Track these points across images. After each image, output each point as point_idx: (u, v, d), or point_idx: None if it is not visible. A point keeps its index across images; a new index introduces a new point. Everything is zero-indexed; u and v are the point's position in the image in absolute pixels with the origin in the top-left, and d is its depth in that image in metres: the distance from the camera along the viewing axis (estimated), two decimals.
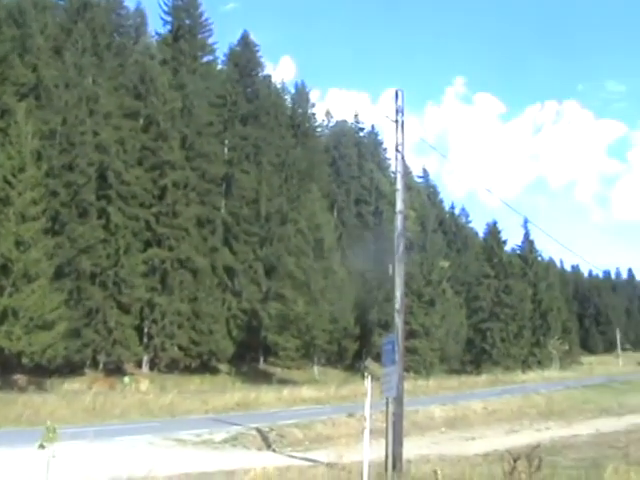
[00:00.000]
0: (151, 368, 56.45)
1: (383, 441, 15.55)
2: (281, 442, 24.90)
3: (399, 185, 17.16)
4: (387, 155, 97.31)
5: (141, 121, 60.86)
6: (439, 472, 12.61)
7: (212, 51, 76.51)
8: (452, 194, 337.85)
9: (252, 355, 67.77)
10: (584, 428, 28.85)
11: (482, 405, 40.41)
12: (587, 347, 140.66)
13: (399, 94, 17.23)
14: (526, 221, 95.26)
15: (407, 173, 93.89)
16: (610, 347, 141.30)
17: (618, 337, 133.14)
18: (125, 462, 14.30)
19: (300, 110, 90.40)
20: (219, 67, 79.48)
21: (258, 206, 69.03)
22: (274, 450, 23.23)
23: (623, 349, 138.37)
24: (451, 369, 79.47)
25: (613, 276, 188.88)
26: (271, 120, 76.41)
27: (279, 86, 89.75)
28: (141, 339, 55.72)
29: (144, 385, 47.40)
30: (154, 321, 55.93)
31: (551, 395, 48.18)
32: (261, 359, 67.86)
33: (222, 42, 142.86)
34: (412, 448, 19.35)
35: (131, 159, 57.48)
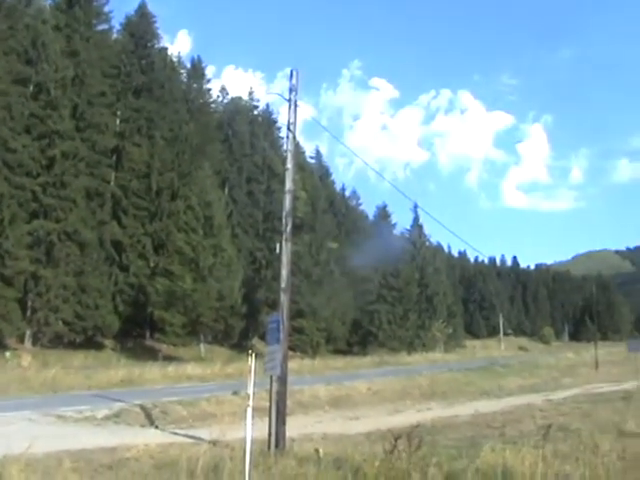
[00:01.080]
0: (34, 343, 54.79)
1: (267, 420, 15.51)
2: (164, 419, 24.63)
3: (289, 164, 17.06)
4: (281, 134, 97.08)
5: (31, 88, 58.66)
6: (321, 450, 12.62)
7: (108, 20, 74.23)
8: (344, 176, 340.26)
9: (138, 331, 66.81)
10: (465, 409, 29.44)
11: (366, 385, 40.81)
12: (471, 331, 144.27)
13: (294, 73, 17.11)
14: (415, 205, 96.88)
15: (299, 153, 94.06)
16: (493, 332, 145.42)
17: (501, 322, 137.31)
18: (2, 439, 13.82)
19: (195, 85, 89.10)
20: (114, 37, 77.25)
21: (149, 180, 67.82)
22: (157, 427, 22.97)
23: (505, 334, 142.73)
24: (337, 349, 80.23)
25: (498, 263, 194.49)
26: (165, 94, 75.05)
27: (175, 60, 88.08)
28: (24, 313, 54.01)
29: (26, 360, 45.90)
30: (38, 294, 54.20)
31: (434, 377, 49.08)
32: (147, 335, 66.97)
33: (118, 11, 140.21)
34: (296, 427, 19.39)
35: (19, 127, 55.48)
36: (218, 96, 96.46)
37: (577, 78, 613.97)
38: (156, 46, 78.72)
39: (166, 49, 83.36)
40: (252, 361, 11.88)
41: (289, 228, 16.61)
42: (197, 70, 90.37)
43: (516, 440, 14.21)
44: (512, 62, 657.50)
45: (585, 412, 24.05)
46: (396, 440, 9.89)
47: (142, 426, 22.97)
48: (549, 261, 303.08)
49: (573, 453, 11.40)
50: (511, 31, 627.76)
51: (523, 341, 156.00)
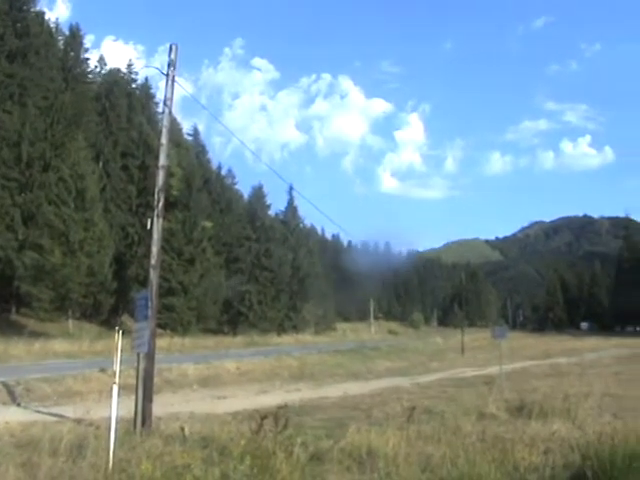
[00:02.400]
0: None
1: (135, 398, 15.17)
2: (28, 397, 23.90)
3: (164, 140, 16.70)
4: (159, 109, 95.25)
5: None
6: (186, 429, 12.43)
7: None
8: (221, 155, 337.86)
9: (3, 306, 64.52)
10: (333, 391, 29.64)
11: (236, 365, 40.70)
12: (342, 314, 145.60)
13: (173, 48, 16.69)
14: (291, 187, 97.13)
15: (176, 130, 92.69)
16: (364, 315, 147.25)
17: (372, 306, 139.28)
18: None
19: (72, 54, 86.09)
20: None
21: (19, 150, 65.21)
22: (20, 405, 22.28)
23: (376, 318, 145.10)
24: (208, 329, 79.56)
25: (371, 247, 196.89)
26: (41, 60, 72.23)
27: (52, 26, 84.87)
28: None
29: None
30: None
31: (304, 358, 49.36)
32: (13, 310, 64.75)
33: None
34: (163, 405, 19.11)
35: None
36: (96, 66, 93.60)
37: (456, 70, 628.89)
38: (32, 10, 75.68)
39: (43, 13, 79.99)
40: (119, 338, 11.54)
41: (161, 204, 16.24)
42: (75, 38, 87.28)
43: (382, 422, 14.32)
44: (394, 51, 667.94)
45: (450, 395, 24.56)
46: (262, 420, 9.79)
47: (4, 404, 22.24)
48: (421, 248, 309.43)
49: (436, 434, 11.56)
50: (394, 19, 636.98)
51: (393, 325, 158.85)
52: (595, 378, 27.74)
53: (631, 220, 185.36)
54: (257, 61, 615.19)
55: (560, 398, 17.29)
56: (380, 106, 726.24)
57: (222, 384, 33.75)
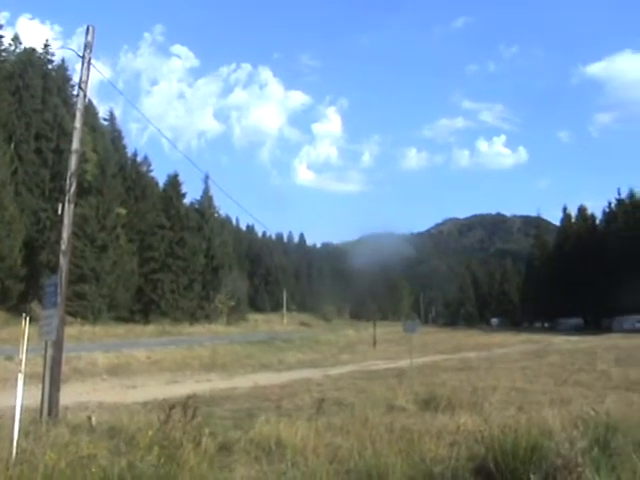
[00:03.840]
0: None
1: (41, 386, 14.85)
2: None
3: (78, 124, 16.33)
4: (75, 92, 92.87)
5: None
6: (93, 419, 12.24)
7: None
8: (137, 141, 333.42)
9: None
10: (244, 381, 29.58)
11: (146, 354, 40.33)
12: (255, 305, 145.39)
13: (90, 30, 16.31)
14: (206, 176, 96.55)
15: (92, 114, 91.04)
16: (277, 306, 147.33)
17: (285, 297, 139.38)
18: None
19: None
20: None
21: None
22: None
23: (289, 309, 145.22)
24: (119, 317, 78.44)
25: (285, 239, 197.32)
26: None
27: None
28: None
29: None
30: None
31: (215, 348, 49.17)
32: None
33: None
34: (71, 395, 18.78)
35: None
36: (10, 45, 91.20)
37: (375, 66, 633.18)
38: None
39: None
40: (26, 325, 11.26)
41: (73, 189, 15.87)
42: None
43: (291, 413, 14.37)
44: (314, 44, 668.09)
45: (360, 388, 24.72)
46: (170, 410, 9.69)
47: None
48: (335, 240, 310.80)
49: (345, 426, 11.63)
50: (314, 12, 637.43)
51: (306, 317, 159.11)
52: (503, 372, 28.36)
53: (542, 219, 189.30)
54: (177, 48, 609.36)
55: (468, 392, 17.61)
56: (299, 98, 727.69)
57: (132, 373, 33.40)
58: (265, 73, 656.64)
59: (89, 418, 12.27)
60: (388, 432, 10.09)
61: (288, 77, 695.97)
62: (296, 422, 11.38)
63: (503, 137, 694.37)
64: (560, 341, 68.89)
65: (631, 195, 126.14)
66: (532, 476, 6.84)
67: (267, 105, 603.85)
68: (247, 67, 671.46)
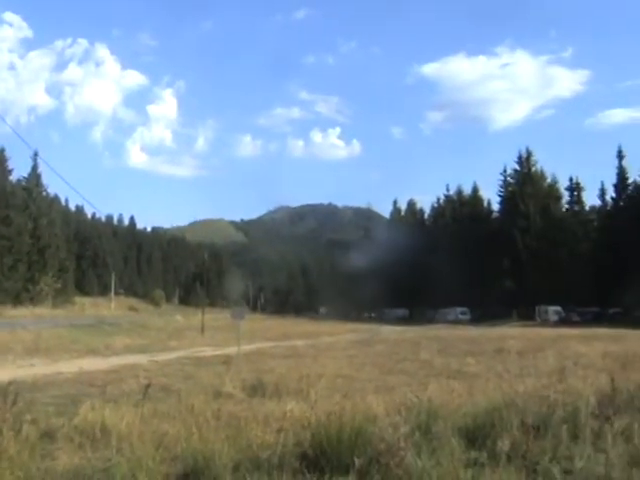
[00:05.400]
0: None
1: None
2: None
3: None
4: None
5: None
6: None
7: None
8: None
9: None
10: (69, 366, 28.75)
11: None
12: (82, 288, 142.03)
13: None
14: (35, 153, 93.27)
15: None
16: (105, 290, 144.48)
17: (113, 281, 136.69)
18: None
19: None
20: None
21: None
22: None
23: (117, 293, 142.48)
24: None
25: (115, 222, 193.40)
26: None
27: None
28: None
29: None
30: None
31: (39, 332, 47.59)
32: None
33: None
34: None
35: None
36: None
37: (214, 51, 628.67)
38: None
39: None
40: None
41: None
42: None
43: (118, 399, 14.15)
44: (153, 24, 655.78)
45: (188, 374, 24.61)
46: None
47: None
48: (166, 225, 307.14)
49: (171, 412, 11.59)
50: None
51: (134, 302, 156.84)
52: (330, 360, 28.91)
53: (373, 211, 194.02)
54: (9, 16, 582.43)
55: (295, 379, 17.87)
56: (135, 78, 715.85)
57: None
58: (102, 50, 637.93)
59: None
60: (215, 418, 10.11)
61: (126, 56, 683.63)
62: (122, 408, 11.24)
63: (338, 129, 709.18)
64: (386, 331, 70.89)
65: (459, 191, 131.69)
66: (356, 460, 7.06)
67: (102, 83, 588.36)
68: (84, 43, 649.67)
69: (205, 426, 9.13)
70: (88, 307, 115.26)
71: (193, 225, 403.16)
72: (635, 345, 35.53)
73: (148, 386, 12.15)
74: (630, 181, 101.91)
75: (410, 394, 10.85)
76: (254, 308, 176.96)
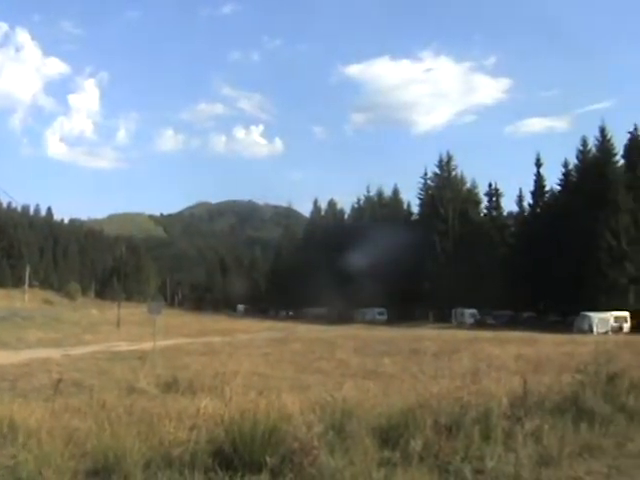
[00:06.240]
0: None
1: None
2: None
3: None
4: None
5: None
6: None
7: None
8: None
9: None
10: None
11: None
12: None
13: None
14: None
15: None
16: (19, 282, 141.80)
17: (28, 273, 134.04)
18: None
19: None
20: None
21: None
22: None
23: (31, 285, 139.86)
24: None
25: (32, 212, 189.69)
26: None
27: None
28: None
29: None
30: None
31: None
32: None
33: None
34: None
35: None
36: None
37: (139, 43, 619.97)
38: None
39: None
40: None
41: None
42: None
43: (28, 394, 13.89)
44: (78, 11, 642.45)
45: (102, 369, 24.33)
46: None
47: None
48: (84, 217, 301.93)
49: (83, 408, 11.39)
50: None
51: (49, 295, 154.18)
52: (246, 358, 28.86)
53: (293, 210, 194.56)
54: None
55: (211, 375, 17.78)
56: (57, 66, 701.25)
57: None
58: (22, 35, 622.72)
59: None
60: (128, 415, 9.98)
61: (47, 42, 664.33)
62: (32, 403, 11.01)
63: (261, 127, 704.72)
64: (303, 329, 71.14)
65: (379, 193, 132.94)
66: (268, 459, 7.03)
67: (22, 69, 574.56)
68: (3, 26, 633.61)
69: (117, 422, 8.99)
70: (0, 299, 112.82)
71: (111, 218, 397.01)
72: (547, 348, 36.49)
73: (59, 381, 11.96)
74: (547, 188, 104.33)
75: (325, 393, 10.87)
76: (172, 304, 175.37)
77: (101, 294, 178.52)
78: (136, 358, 29.27)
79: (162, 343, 37.52)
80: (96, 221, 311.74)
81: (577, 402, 10.80)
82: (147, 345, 37.08)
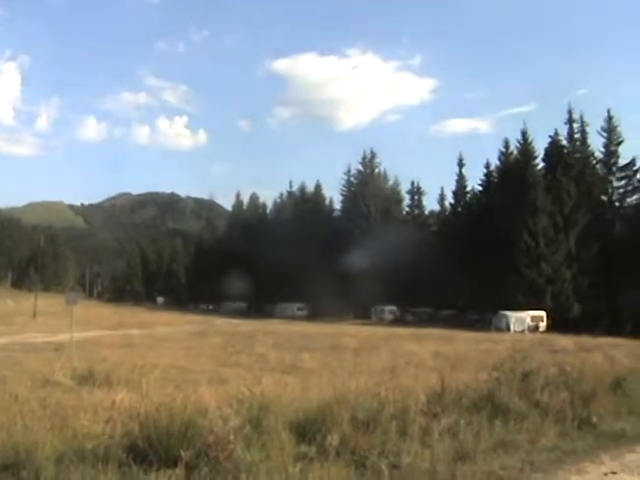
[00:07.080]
0: None
1: None
2: None
3: None
4: None
5: None
6: None
7: None
8: None
9: None
10: None
11: None
12: None
13: None
14: None
15: None
16: None
17: None
18: None
19: None
20: None
21: None
22: None
23: None
24: None
25: None
26: None
27: None
28: None
29: None
30: None
31: None
32: None
33: None
34: None
35: None
36: None
37: (62, 28, 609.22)
38: None
39: None
40: None
41: None
42: None
43: None
44: None
45: (16, 361, 23.83)
46: None
47: None
48: (1, 205, 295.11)
49: None
50: None
51: None
52: (165, 351, 28.69)
53: (215, 203, 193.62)
54: None
55: (128, 369, 17.60)
56: None
57: None
58: None
59: None
60: (41, 408, 9.80)
61: None
62: None
63: (185, 118, 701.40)
64: (222, 323, 71.03)
65: (302, 188, 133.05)
66: (183, 453, 6.97)
67: None
68: None
69: (30, 416, 8.81)
70: None
71: (29, 206, 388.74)
72: (464, 346, 37.09)
73: None
74: (468, 189, 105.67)
75: (243, 387, 10.83)
76: (91, 295, 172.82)
77: (18, 284, 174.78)
78: (52, 350, 28.75)
79: (80, 335, 36.91)
80: (14, 209, 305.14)
81: (493, 399, 10.99)
82: (64, 337, 36.45)
